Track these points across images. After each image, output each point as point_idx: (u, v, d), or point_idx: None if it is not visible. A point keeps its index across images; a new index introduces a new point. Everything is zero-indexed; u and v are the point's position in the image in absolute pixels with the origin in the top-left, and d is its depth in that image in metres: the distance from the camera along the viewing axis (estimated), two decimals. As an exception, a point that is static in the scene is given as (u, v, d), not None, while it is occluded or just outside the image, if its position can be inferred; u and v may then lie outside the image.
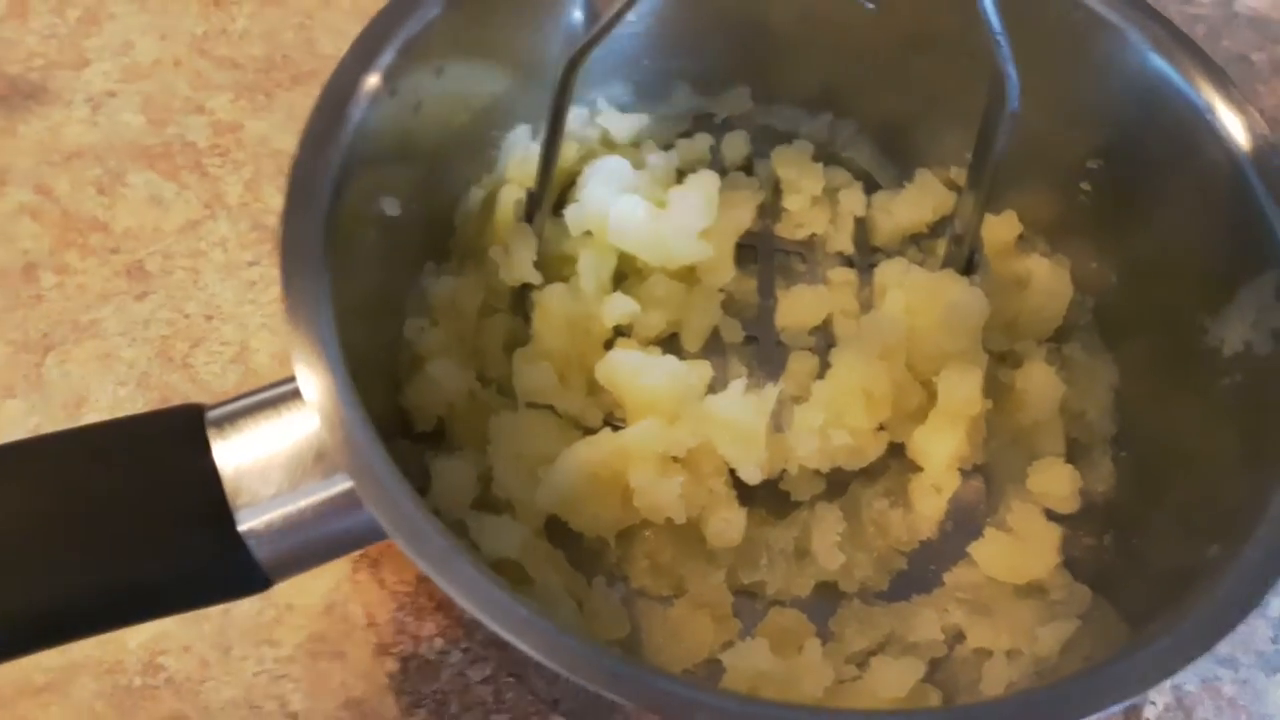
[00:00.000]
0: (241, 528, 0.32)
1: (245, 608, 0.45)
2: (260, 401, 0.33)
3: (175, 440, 0.33)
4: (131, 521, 0.32)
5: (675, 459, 0.43)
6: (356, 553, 0.45)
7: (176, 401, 0.48)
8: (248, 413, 0.33)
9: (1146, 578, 0.41)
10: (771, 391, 0.44)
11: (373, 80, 0.37)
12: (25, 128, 0.54)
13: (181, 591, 0.33)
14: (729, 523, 0.43)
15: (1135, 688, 0.32)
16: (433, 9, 0.38)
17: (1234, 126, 0.41)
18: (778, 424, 0.45)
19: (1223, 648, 0.34)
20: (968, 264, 0.47)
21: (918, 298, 0.46)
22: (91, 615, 0.33)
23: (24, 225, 0.52)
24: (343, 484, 0.32)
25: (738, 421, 0.43)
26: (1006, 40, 0.39)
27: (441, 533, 0.31)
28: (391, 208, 0.40)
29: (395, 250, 0.41)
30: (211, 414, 0.33)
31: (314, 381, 0.32)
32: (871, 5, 0.46)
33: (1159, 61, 0.43)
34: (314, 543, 0.33)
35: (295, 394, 0.33)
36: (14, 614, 0.31)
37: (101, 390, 0.49)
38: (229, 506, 0.32)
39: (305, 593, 0.45)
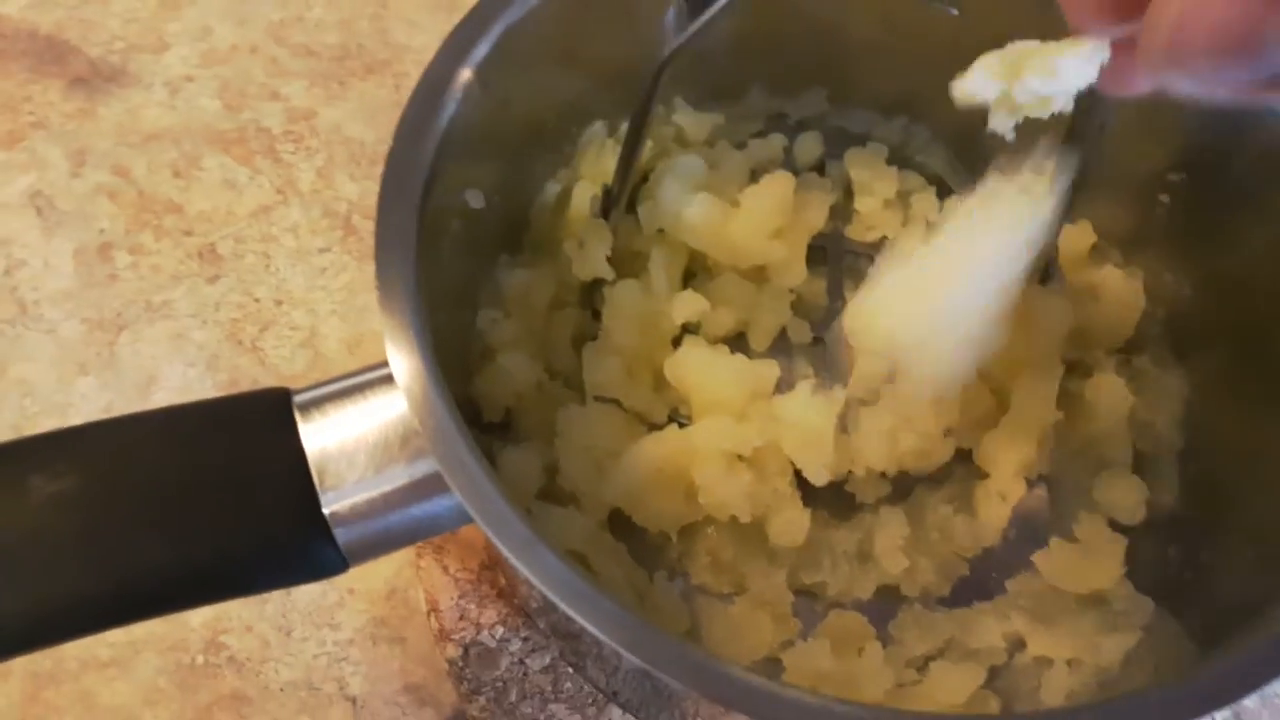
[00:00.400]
0: (326, 510, 0.32)
1: (307, 590, 0.45)
2: (347, 387, 0.34)
3: (263, 423, 0.33)
4: (218, 502, 0.33)
5: (741, 457, 0.43)
6: (422, 539, 0.45)
7: (245, 383, 0.49)
8: (334, 398, 0.33)
9: (1213, 592, 0.41)
10: (839, 393, 0.44)
11: (465, 74, 0.37)
12: (105, 109, 0.55)
13: (263, 572, 0.34)
14: (792, 523, 0.43)
15: (1202, 706, 0.32)
16: (529, 2, 0.38)
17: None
18: (843, 426, 0.45)
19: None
20: (1043, 274, 0.47)
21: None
22: (174, 593, 0.33)
23: (101, 205, 0.53)
24: (427, 468, 0.32)
25: (805, 422, 0.43)
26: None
27: (523, 520, 0.31)
28: (476, 200, 0.40)
29: (474, 242, 0.42)
30: (299, 398, 0.34)
31: (405, 366, 0.32)
32: (954, 10, 0.46)
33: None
34: (394, 526, 0.33)
35: (381, 380, 0.33)
36: (102, 590, 0.32)
37: (171, 370, 0.49)
38: (315, 489, 0.32)
39: (367, 577, 0.45)
